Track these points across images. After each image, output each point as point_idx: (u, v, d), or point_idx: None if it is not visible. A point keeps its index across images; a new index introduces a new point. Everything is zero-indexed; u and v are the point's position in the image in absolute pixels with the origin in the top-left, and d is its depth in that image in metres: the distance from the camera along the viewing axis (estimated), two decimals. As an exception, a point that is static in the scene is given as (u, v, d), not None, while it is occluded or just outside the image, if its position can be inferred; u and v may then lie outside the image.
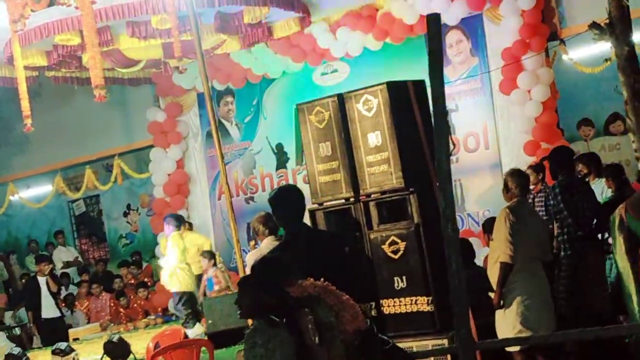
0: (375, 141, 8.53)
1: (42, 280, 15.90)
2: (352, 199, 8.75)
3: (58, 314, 16.03)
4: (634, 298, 8.20)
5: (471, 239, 12.21)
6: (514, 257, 8.28)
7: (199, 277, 14.16)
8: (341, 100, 8.78)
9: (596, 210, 9.53)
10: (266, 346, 5.77)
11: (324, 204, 8.89)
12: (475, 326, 8.07)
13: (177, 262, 13.38)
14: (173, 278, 13.43)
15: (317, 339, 5.55)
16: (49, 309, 15.90)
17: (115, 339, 10.97)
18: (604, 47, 9.42)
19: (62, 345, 11.49)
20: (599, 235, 9.43)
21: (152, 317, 15.90)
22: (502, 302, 8.36)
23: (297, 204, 6.90)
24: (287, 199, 6.90)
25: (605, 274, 9.52)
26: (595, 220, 9.47)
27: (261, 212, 9.70)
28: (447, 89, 13.57)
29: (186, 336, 10.68)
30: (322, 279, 5.75)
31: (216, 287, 13.63)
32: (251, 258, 8.99)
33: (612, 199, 10.57)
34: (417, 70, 11.07)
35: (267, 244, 9.02)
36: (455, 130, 14.07)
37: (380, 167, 8.52)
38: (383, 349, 5.84)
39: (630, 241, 8.08)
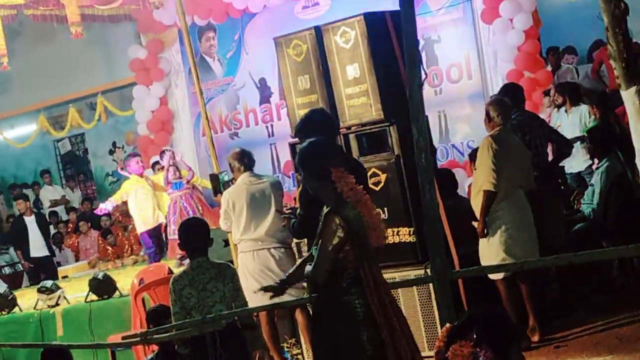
0: (353, 73, 8.47)
1: (28, 219, 15.93)
2: (332, 132, 8.69)
3: (47, 253, 16.09)
4: None
5: (456, 170, 12.23)
6: (497, 185, 8.24)
7: None
8: (319, 33, 8.70)
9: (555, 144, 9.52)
10: None
11: (304, 137, 8.84)
12: (457, 256, 8.12)
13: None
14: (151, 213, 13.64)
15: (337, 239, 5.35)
16: (37, 248, 15.96)
17: (100, 276, 11.06)
18: (585, -28, 9.34)
19: (48, 283, 11.59)
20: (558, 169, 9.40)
21: (140, 254, 15.91)
22: (486, 231, 8.36)
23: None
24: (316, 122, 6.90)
25: (562, 211, 9.56)
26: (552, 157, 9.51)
27: (236, 148, 9.65)
28: (429, 20, 13.79)
29: (170, 271, 10.70)
30: None
31: None
32: (227, 195, 8.98)
33: (597, 126, 10.55)
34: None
35: (243, 179, 8.98)
36: (439, 61, 14.01)
37: (360, 99, 8.47)
38: None
39: None
